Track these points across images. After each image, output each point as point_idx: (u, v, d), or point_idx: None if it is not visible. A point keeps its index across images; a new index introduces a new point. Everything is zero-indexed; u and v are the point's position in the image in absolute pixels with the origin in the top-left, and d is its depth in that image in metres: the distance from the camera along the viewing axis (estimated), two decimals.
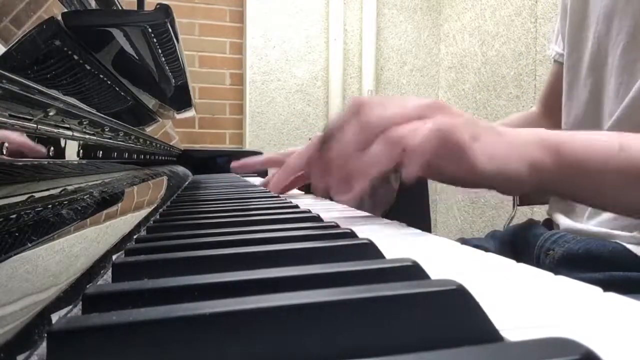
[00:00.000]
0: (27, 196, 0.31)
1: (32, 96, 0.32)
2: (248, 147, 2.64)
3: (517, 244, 0.68)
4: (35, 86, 0.32)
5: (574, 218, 0.63)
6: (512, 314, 0.18)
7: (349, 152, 0.39)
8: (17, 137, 0.31)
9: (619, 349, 0.15)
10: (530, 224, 0.71)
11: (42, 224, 0.28)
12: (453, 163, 0.37)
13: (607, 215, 0.57)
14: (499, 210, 2.41)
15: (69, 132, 0.42)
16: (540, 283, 0.22)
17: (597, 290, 0.20)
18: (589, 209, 0.60)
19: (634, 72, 0.55)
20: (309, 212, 0.43)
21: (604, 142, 0.40)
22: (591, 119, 0.62)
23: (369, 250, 0.25)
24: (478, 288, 0.18)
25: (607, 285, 0.20)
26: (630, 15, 0.56)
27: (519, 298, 0.20)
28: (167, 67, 0.62)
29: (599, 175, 0.39)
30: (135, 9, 0.63)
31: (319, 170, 0.42)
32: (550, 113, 0.76)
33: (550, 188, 0.42)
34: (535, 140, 0.40)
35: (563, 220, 0.64)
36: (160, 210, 0.50)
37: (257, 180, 1.03)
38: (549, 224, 0.70)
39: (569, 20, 0.67)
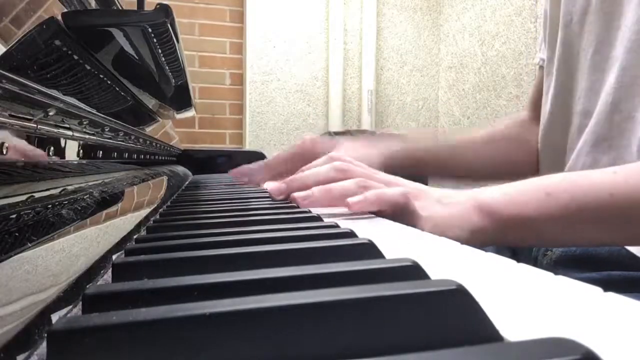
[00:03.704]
0: (27, 196, 0.31)
1: (32, 96, 0.32)
2: (248, 147, 2.64)
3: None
4: (35, 86, 0.32)
5: None
6: (512, 314, 0.18)
7: (326, 179, 0.49)
8: (17, 137, 0.31)
9: (619, 349, 0.15)
10: None
11: (42, 224, 0.28)
12: (407, 221, 0.44)
13: None
14: None
15: (69, 132, 0.42)
16: (540, 283, 0.22)
17: (597, 290, 0.20)
18: None
19: (606, 69, 0.57)
20: (309, 212, 0.43)
21: (531, 193, 0.45)
22: (560, 114, 0.65)
23: (369, 250, 0.25)
24: (478, 288, 0.18)
25: (605, 285, 0.20)
26: (602, 16, 0.57)
27: (519, 298, 0.20)
28: (167, 67, 0.62)
29: (533, 224, 0.44)
30: (135, 9, 0.63)
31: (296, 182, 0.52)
32: (539, 117, 0.77)
33: (496, 242, 0.49)
34: (472, 206, 0.45)
35: None
36: (160, 210, 0.50)
37: None
38: None
39: (549, 24, 0.69)
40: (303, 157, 0.67)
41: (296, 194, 0.49)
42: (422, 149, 0.76)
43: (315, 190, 0.48)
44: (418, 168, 0.73)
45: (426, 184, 0.51)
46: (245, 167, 0.79)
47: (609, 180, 0.43)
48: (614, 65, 0.55)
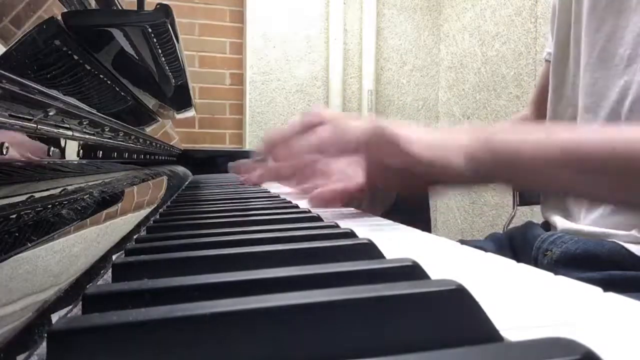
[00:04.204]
0: (27, 196, 0.31)
1: (32, 96, 0.32)
2: (248, 147, 2.64)
3: (515, 246, 0.68)
4: (35, 86, 0.32)
5: (570, 218, 0.63)
6: (512, 314, 0.18)
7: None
8: (17, 137, 0.31)
9: (619, 349, 0.15)
10: (529, 225, 0.71)
11: (42, 224, 0.28)
12: (393, 154, 0.41)
13: (602, 214, 0.58)
14: (499, 210, 2.41)
15: (69, 132, 0.42)
16: (540, 283, 0.22)
17: (597, 290, 0.20)
18: (583, 208, 0.61)
19: (612, 67, 0.56)
20: (309, 212, 0.43)
21: (533, 132, 0.43)
22: (566, 111, 0.64)
23: (369, 250, 0.25)
24: (478, 288, 0.17)
25: (606, 285, 0.20)
26: (610, 14, 0.57)
27: (519, 298, 0.20)
28: (167, 67, 0.62)
29: (531, 162, 0.41)
30: (135, 9, 0.63)
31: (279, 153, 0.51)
32: (542, 113, 0.77)
33: (490, 176, 0.45)
34: (468, 134, 0.43)
35: (559, 221, 0.64)
36: (160, 210, 0.50)
37: None
38: (548, 225, 0.70)
39: (557, 20, 0.69)
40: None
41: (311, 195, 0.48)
42: None
43: (317, 188, 0.48)
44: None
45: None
46: (244, 161, 0.79)
47: (613, 132, 0.42)
48: (621, 63, 0.55)
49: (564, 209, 0.65)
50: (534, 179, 0.44)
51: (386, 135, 0.42)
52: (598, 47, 0.58)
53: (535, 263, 0.60)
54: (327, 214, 0.44)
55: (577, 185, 0.42)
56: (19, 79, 0.29)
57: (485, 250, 0.30)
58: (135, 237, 0.33)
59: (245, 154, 1.66)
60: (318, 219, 0.40)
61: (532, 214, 1.79)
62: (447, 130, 0.44)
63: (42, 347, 0.16)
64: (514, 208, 1.65)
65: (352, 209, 0.54)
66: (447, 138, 0.42)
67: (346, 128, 0.45)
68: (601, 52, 0.58)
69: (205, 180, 1.07)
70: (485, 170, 0.42)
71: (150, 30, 0.46)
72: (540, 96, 0.78)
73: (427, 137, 0.42)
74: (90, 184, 0.47)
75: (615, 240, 0.54)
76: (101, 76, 0.50)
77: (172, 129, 1.32)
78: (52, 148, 0.38)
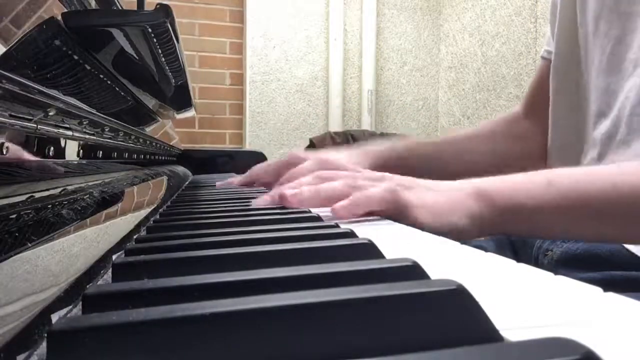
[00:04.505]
0: (27, 196, 0.31)
1: (32, 96, 0.32)
2: (248, 147, 2.64)
3: (516, 245, 0.68)
4: (35, 86, 0.32)
5: None
6: (512, 314, 0.18)
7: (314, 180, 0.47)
8: (17, 137, 0.31)
9: (619, 349, 0.15)
10: None
11: (42, 224, 0.28)
12: (402, 219, 0.41)
13: None
14: None
15: (69, 132, 0.42)
16: (540, 283, 0.22)
17: (597, 290, 0.20)
18: None
19: (622, 70, 0.56)
20: (309, 212, 0.43)
21: (533, 181, 0.43)
22: (572, 114, 0.64)
23: (369, 250, 0.25)
24: (478, 288, 0.17)
25: (606, 285, 0.20)
26: (617, 18, 0.56)
27: (519, 298, 0.20)
28: (167, 67, 0.62)
29: (533, 212, 0.42)
30: (135, 9, 0.63)
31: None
32: (534, 112, 0.76)
33: (496, 231, 0.47)
34: (470, 193, 0.43)
35: None
36: (160, 210, 0.50)
37: None
38: None
39: (559, 19, 0.68)
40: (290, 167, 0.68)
41: (287, 190, 0.47)
42: (406, 148, 0.75)
43: (305, 189, 0.46)
44: (403, 167, 0.72)
45: None
46: (231, 180, 0.79)
47: (613, 172, 0.42)
48: (631, 67, 0.55)
49: None
50: (540, 230, 0.45)
51: (399, 202, 0.42)
52: (607, 51, 0.58)
53: (536, 263, 0.60)
54: (327, 214, 0.44)
55: (586, 230, 0.43)
56: (19, 79, 0.29)
57: (486, 249, 0.30)
58: (135, 237, 0.33)
59: (245, 154, 1.66)
60: (318, 219, 0.40)
61: None
62: (451, 187, 0.45)
63: (42, 347, 0.16)
64: None
65: None
66: (451, 202, 0.43)
67: (360, 184, 0.44)
68: (610, 56, 0.57)
69: (205, 181, 1.07)
70: (491, 227, 0.43)
71: (150, 30, 0.46)
72: (535, 94, 0.76)
73: (433, 205, 0.42)
74: (90, 184, 0.47)
75: None
76: (101, 76, 0.50)
77: (172, 129, 1.32)
78: (52, 148, 0.38)
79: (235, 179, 0.79)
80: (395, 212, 0.42)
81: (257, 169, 0.75)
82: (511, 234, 0.48)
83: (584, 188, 0.41)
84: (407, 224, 0.42)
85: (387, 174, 0.47)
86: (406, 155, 0.74)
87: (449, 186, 0.45)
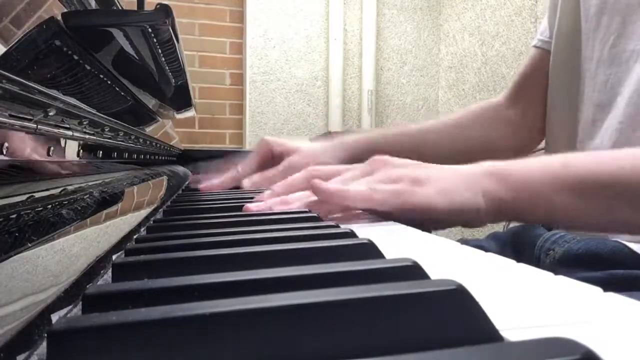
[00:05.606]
0: (27, 196, 0.31)
1: (32, 96, 0.32)
2: (248, 147, 2.64)
3: (517, 245, 0.68)
4: (35, 86, 0.32)
5: None
6: (512, 314, 0.18)
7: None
8: (17, 137, 0.31)
9: (619, 349, 0.15)
10: (530, 225, 0.71)
11: (42, 224, 0.28)
12: (413, 214, 0.40)
13: None
14: None
15: (69, 132, 0.42)
16: (540, 283, 0.22)
17: (597, 290, 0.20)
18: None
19: (621, 64, 0.56)
20: (309, 212, 0.43)
21: (548, 164, 0.42)
22: (569, 105, 0.64)
23: (369, 250, 0.25)
24: (478, 288, 0.17)
25: (608, 284, 0.20)
26: (619, 13, 0.56)
27: (519, 298, 0.20)
28: (167, 67, 0.62)
29: (547, 194, 0.40)
30: (135, 9, 0.63)
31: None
32: (519, 101, 0.74)
33: (509, 214, 0.43)
34: (482, 171, 0.41)
35: None
36: (161, 210, 0.50)
37: None
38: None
39: (559, 13, 0.68)
40: (263, 158, 0.69)
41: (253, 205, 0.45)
42: (383, 136, 0.74)
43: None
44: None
45: None
46: (215, 181, 0.78)
47: (632, 153, 0.41)
48: (632, 59, 0.55)
49: None
50: (557, 214, 0.42)
51: (409, 203, 0.41)
52: (609, 43, 0.58)
53: (538, 262, 0.60)
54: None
55: (603, 214, 0.41)
56: (19, 79, 0.29)
57: (487, 249, 0.30)
58: (135, 237, 0.33)
59: (245, 154, 1.66)
60: (318, 219, 0.40)
61: None
62: (457, 167, 0.43)
63: (42, 347, 0.16)
64: None
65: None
66: (461, 177, 0.41)
67: (376, 189, 0.42)
68: (612, 49, 0.57)
69: None
70: (507, 210, 0.41)
71: (150, 30, 0.46)
72: (523, 82, 0.75)
73: (441, 181, 0.41)
74: (90, 184, 0.47)
75: (618, 240, 0.54)
76: (101, 76, 0.50)
77: (172, 129, 1.32)
78: (52, 148, 0.38)
79: (217, 180, 0.77)
80: (405, 210, 0.41)
81: (242, 170, 0.73)
82: (528, 221, 0.45)
83: (600, 170, 0.40)
84: (420, 215, 0.40)
85: (388, 164, 0.46)
86: (383, 143, 0.72)
87: (457, 168, 0.43)
